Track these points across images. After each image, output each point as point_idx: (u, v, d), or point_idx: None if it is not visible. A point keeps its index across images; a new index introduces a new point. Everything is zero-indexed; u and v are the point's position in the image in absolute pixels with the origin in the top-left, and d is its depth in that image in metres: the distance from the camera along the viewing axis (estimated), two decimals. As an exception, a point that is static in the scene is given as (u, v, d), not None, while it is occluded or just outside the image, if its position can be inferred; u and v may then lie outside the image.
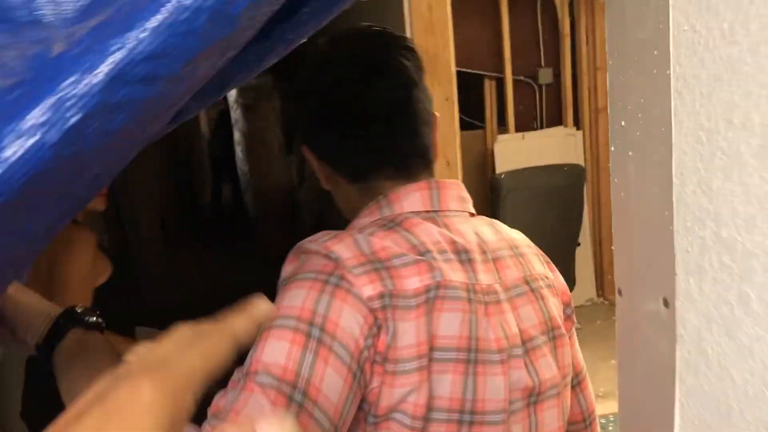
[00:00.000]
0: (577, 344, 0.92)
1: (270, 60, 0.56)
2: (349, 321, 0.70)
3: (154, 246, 5.51)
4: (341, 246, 0.75)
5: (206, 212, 9.50)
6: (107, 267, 1.66)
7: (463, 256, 0.80)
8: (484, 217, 0.91)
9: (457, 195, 0.87)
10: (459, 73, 1.86)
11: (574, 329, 0.92)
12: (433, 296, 0.74)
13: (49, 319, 0.72)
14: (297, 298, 0.71)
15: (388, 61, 0.85)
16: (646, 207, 0.50)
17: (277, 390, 0.65)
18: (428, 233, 0.80)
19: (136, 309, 1.72)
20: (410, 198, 0.84)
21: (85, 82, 0.38)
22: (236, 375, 0.68)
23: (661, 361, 0.51)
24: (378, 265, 0.74)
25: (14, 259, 0.46)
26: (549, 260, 0.93)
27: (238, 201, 8.93)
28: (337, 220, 0.91)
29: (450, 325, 0.75)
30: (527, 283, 0.84)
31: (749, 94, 0.42)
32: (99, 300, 1.58)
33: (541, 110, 4.37)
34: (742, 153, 0.43)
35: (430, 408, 0.72)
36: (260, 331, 0.67)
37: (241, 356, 0.47)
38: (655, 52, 0.47)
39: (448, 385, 0.73)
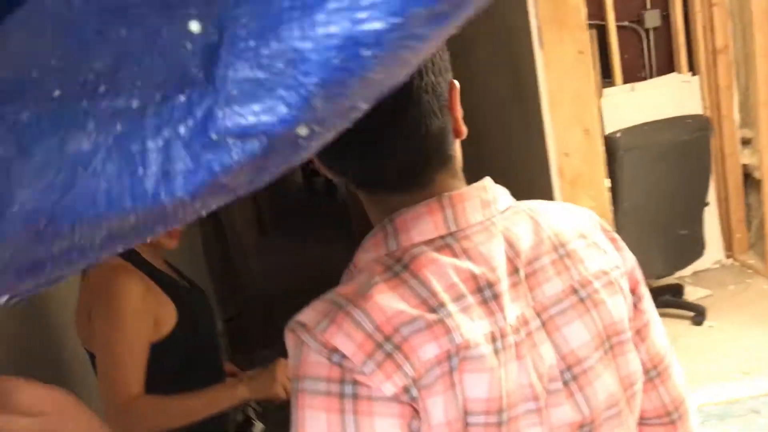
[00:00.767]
0: (655, 332, 0.81)
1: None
2: (385, 429, 0.63)
3: (251, 237, 5.49)
4: (341, 336, 0.64)
5: (299, 197, 9.53)
6: (169, 312, 1.46)
7: (486, 293, 0.69)
8: (524, 206, 0.77)
9: (479, 202, 0.73)
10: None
11: (649, 315, 0.81)
12: (456, 363, 0.65)
13: None
14: (318, 425, 0.64)
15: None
16: None
17: None
18: (442, 274, 0.68)
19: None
20: (419, 225, 0.70)
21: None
22: None
23: None
24: (389, 347, 0.64)
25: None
26: (615, 236, 0.81)
27: (329, 182, 8.88)
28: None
29: (477, 387, 0.65)
30: (575, 292, 0.73)
31: None
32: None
33: (650, 57, 4.00)
34: None
35: None
36: None
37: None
38: None
39: None
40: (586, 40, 1.36)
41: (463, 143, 0.77)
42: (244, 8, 0.40)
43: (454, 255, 0.69)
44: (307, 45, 0.38)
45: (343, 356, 0.63)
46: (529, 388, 0.69)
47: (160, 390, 1.38)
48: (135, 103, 0.41)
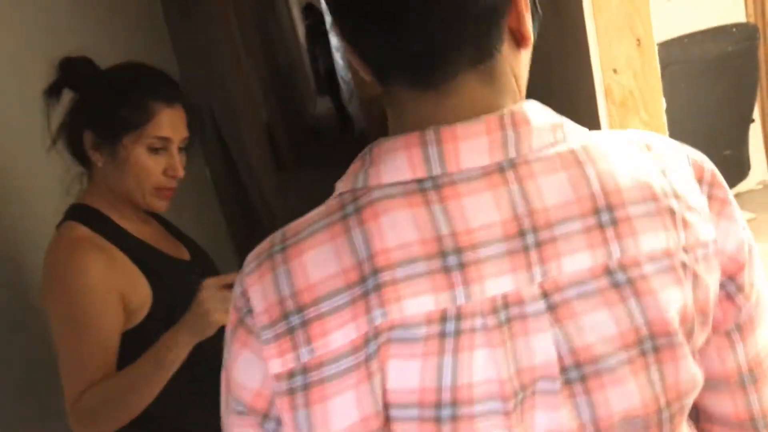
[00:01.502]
0: (761, 329, 0.64)
1: None
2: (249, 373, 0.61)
3: (268, 175, 5.34)
4: (256, 289, 0.60)
5: (317, 129, 9.32)
6: (143, 293, 1.23)
7: (450, 260, 0.55)
8: (579, 142, 0.59)
9: (486, 141, 0.57)
10: None
11: (753, 310, 0.64)
12: (374, 349, 0.56)
13: None
14: (225, 356, 0.65)
15: None
16: None
17: None
18: (395, 229, 0.56)
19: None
20: (392, 161, 0.58)
21: None
22: None
23: None
24: (295, 320, 0.57)
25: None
26: (727, 198, 0.62)
27: (341, 112, 8.64)
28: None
29: (403, 376, 0.56)
30: (609, 274, 0.56)
31: None
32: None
33: (688, -39, 3.67)
34: None
35: None
36: None
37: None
38: None
39: None
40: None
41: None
42: None
43: (426, 205, 0.56)
44: None
45: (250, 310, 0.60)
46: (497, 384, 0.56)
47: None
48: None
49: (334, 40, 7.46)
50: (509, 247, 0.56)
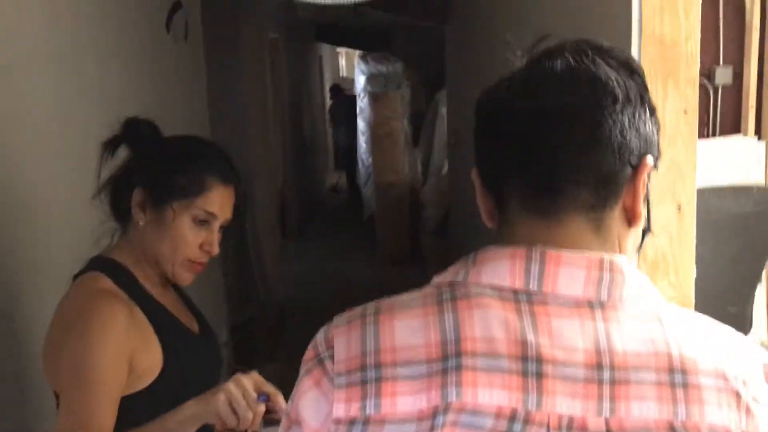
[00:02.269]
0: None
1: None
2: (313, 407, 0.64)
3: (271, 240, 5.33)
4: (342, 340, 0.64)
5: (327, 205, 9.37)
6: (153, 358, 1.19)
7: (530, 366, 0.58)
8: (664, 309, 0.63)
9: (583, 276, 0.62)
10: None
11: None
12: (441, 423, 0.57)
13: None
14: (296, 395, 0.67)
15: (581, 66, 0.65)
16: None
17: None
18: (485, 323, 0.60)
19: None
20: (495, 265, 0.63)
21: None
22: None
23: None
24: (370, 374, 0.60)
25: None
26: (755, 397, 0.61)
27: (354, 190, 8.70)
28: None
29: None
30: (673, 430, 0.58)
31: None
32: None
33: (715, 115, 3.78)
34: None
35: None
36: None
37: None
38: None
39: None
40: (694, 96, 1.15)
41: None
42: None
43: (517, 312, 0.61)
44: None
45: (331, 356, 0.63)
46: None
47: None
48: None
49: (361, 124, 7.62)
50: (586, 375, 0.59)
